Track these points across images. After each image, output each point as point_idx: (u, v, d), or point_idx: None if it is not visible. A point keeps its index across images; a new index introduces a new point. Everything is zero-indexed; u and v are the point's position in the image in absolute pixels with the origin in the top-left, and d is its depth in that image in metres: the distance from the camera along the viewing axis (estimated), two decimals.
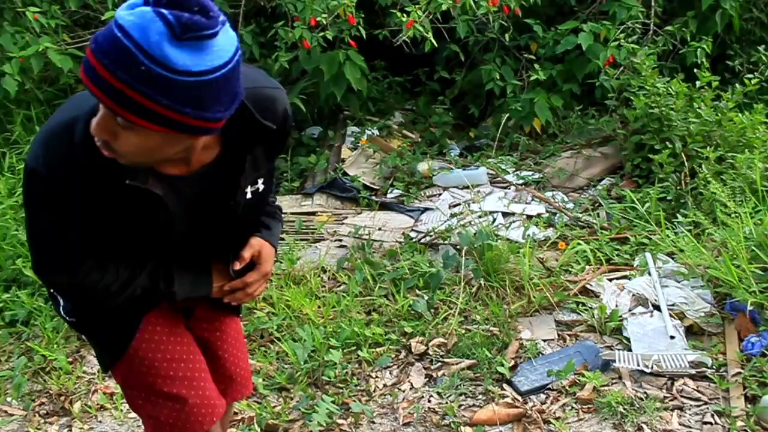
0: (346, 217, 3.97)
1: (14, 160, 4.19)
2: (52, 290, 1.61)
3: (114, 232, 1.43)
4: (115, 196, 1.34)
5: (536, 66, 4.63)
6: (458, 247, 3.45)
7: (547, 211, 3.87)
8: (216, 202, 1.48)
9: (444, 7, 4.06)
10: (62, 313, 1.62)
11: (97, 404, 2.72)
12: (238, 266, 1.59)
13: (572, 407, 2.57)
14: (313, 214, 4.02)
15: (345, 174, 4.29)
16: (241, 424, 2.58)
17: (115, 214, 1.38)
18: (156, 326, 1.64)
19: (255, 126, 1.40)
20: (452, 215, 3.76)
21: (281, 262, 3.46)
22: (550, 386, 2.68)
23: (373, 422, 2.57)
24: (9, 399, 2.81)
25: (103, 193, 1.34)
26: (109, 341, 1.64)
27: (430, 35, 4.03)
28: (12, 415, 2.74)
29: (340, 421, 2.56)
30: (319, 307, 3.13)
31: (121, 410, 2.69)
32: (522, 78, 4.78)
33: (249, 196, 1.52)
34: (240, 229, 1.59)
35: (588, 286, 3.20)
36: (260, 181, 1.54)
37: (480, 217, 3.69)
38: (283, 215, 1.80)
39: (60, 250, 1.42)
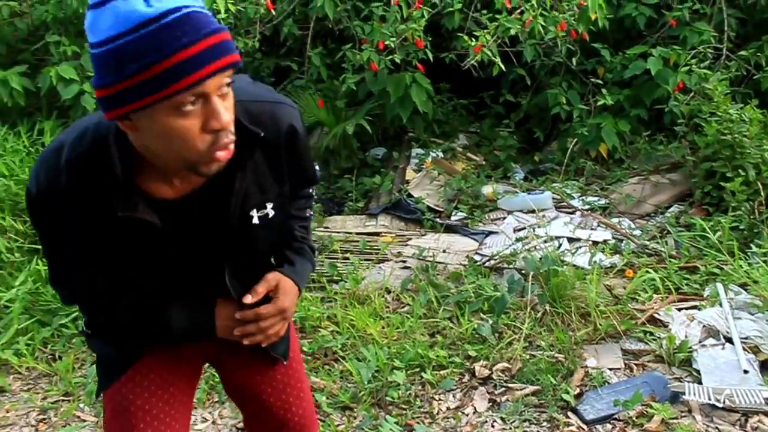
0: (410, 239, 3.99)
1: None
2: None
3: (109, 257, 1.34)
4: (106, 220, 1.27)
5: (603, 90, 4.60)
6: (523, 271, 3.43)
7: (613, 238, 3.82)
8: (213, 224, 1.37)
9: (512, 32, 4.08)
10: (83, 324, 1.52)
11: None
12: (249, 300, 1.44)
13: None
14: (378, 234, 4.06)
15: (409, 195, 4.32)
16: None
17: (108, 238, 1.31)
18: (150, 373, 1.52)
19: (242, 134, 1.27)
20: (517, 239, 3.74)
21: (345, 282, 3.50)
22: (616, 416, 2.63)
23: None
24: (82, 405, 2.91)
25: (92, 217, 1.28)
26: (105, 365, 1.55)
27: (498, 60, 4.05)
28: (84, 420, 2.83)
29: None
30: (383, 327, 3.15)
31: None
32: (588, 102, 4.75)
33: (256, 221, 1.40)
34: (247, 258, 1.47)
35: (656, 315, 3.14)
36: (269, 206, 1.41)
37: (545, 241, 3.66)
38: (316, 257, 1.66)
39: (59, 266, 1.39)
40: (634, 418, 2.60)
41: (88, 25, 1.08)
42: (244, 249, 1.44)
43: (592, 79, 4.78)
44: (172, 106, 1.09)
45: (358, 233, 4.05)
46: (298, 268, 1.54)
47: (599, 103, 4.58)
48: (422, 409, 2.73)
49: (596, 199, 4.27)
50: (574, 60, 4.66)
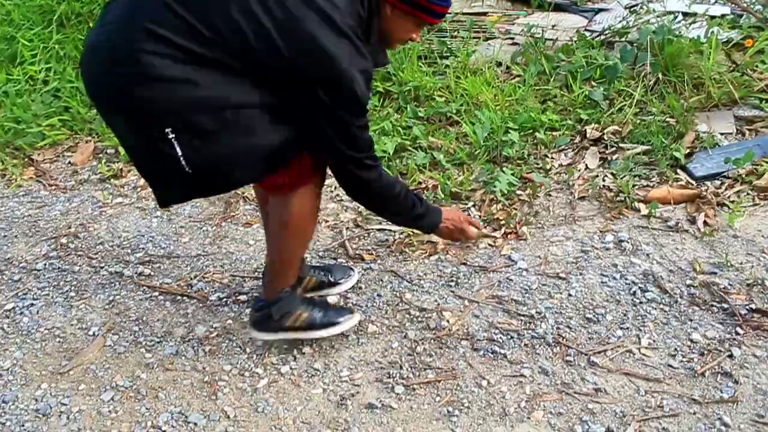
0: (518, 17, 3.96)
1: None
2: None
3: None
4: None
5: None
6: (635, 44, 3.40)
7: (732, 13, 3.69)
8: None
9: None
10: (183, 163, 1.65)
11: None
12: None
13: (748, 193, 2.61)
14: (484, 14, 4.04)
15: None
16: (426, 190, 2.82)
17: None
18: None
19: None
20: (630, 12, 3.66)
21: (457, 56, 3.56)
22: (725, 174, 2.71)
23: (550, 195, 2.74)
24: None
25: None
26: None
27: None
28: None
29: (519, 192, 2.75)
30: (495, 95, 3.25)
31: None
32: None
33: None
34: None
35: None
36: None
37: (659, 16, 3.58)
38: None
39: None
40: (743, 176, 2.68)
41: None
42: None
43: None
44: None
45: (463, 13, 4.04)
46: None
47: None
48: (536, 165, 2.89)
49: None
50: None
